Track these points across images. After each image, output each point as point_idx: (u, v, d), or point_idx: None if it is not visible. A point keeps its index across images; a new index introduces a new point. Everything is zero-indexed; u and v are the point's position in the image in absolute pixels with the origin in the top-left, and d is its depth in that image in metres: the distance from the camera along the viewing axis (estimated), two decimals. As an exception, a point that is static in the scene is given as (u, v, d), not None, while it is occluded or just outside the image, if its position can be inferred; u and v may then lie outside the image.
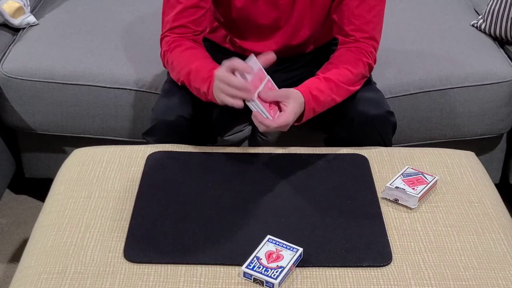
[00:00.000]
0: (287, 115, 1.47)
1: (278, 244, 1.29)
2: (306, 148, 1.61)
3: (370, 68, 1.68)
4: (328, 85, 1.57)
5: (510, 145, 2.18)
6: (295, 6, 1.67)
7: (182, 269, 1.26)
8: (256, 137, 2.00)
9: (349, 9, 1.64)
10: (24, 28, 2.22)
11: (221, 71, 1.43)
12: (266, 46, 1.75)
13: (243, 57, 1.80)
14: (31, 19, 2.22)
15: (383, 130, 1.66)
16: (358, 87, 1.65)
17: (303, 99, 1.51)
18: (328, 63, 1.66)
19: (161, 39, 1.67)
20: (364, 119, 1.62)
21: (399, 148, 1.64)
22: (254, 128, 1.97)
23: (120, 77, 2.00)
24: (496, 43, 2.18)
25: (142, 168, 1.52)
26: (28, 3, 2.26)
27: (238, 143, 1.98)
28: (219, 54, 1.78)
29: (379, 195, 1.46)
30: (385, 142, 1.67)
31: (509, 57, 2.12)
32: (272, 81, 1.51)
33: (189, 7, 1.62)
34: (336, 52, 1.68)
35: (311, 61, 1.83)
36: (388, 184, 1.45)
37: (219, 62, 1.69)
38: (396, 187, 1.44)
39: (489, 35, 2.19)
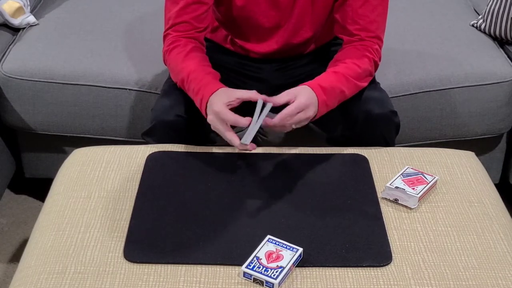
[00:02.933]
0: (300, 99, 1.47)
1: (278, 244, 1.29)
2: (306, 148, 1.61)
3: (376, 65, 1.68)
4: (337, 77, 1.57)
5: (510, 145, 2.18)
6: (295, 5, 1.67)
7: (182, 269, 1.26)
8: (256, 137, 1.99)
9: (353, 9, 1.64)
10: (24, 28, 2.22)
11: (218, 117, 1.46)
12: (267, 46, 1.76)
13: (243, 57, 1.80)
14: (31, 19, 2.22)
15: (386, 130, 1.65)
16: (365, 84, 1.65)
17: (313, 93, 1.51)
18: (334, 60, 1.66)
19: (164, 37, 1.67)
20: (368, 118, 1.62)
21: (399, 148, 1.64)
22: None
23: (120, 77, 2.00)
24: (496, 43, 2.18)
25: (142, 168, 1.52)
26: (28, 3, 2.26)
27: (238, 143, 1.98)
28: (219, 54, 1.78)
29: (379, 195, 1.46)
30: (388, 141, 1.67)
31: (509, 57, 2.12)
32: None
33: (192, 3, 1.62)
34: (341, 50, 1.68)
35: (312, 61, 1.83)
36: (388, 184, 1.45)
37: (219, 62, 1.69)
38: (396, 187, 1.44)
39: (489, 35, 2.19)
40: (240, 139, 1.44)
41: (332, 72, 1.59)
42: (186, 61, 1.60)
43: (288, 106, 1.47)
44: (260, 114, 1.46)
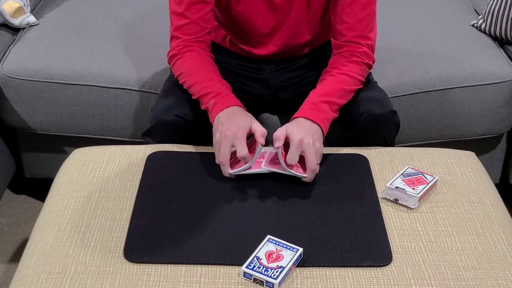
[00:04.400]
0: (292, 137, 1.45)
1: (278, 244, 1.29)
2: (306, 148, 1.61)
3: (368, 66, 1.68)
4: (324, 91, 1.58)
5: (510, 145, 2.18)
6: (292, 7, 1.68)
7: (182, 269, 1.26)
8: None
9: (342, 7, 1.64)
10: (24, 28, 2.22)
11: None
12: (266, 49, 1.76)
13: (243, 58, 1.81)
14: (31, 19, 2.23)
15: (387, 130, 1.66)
16: (359, 87, 1.65)
17: (302, 121, 1.50)
18: (323, 72, 1.66)
19: (171, 39, 1.67)
20: (369, 119, 1.62)
21: (399, 148, 1.64)
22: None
23: (120, 77, 2.00)
24: (496, 43, 2.18)
25: (142, 168, 1.52)
26: (28, 3, 2.26)
27: (238, 143, 1.98)
28: (219, 54, 1.78)
29: (379, 195, 1.46)
30: (388, 141, 1.67)
31: (509, 57, 2.12)
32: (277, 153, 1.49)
33: (196, 2, 1.62)
34: (330, 60, 1.68)
35: (311, 61, 1.83)
36: (388, 184, 1.45)
37: (219, 62, 1.69)
38: (396, 187, 1.44)
39: (489, 35, 2.19)
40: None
41: (319, 88, 1.60)
42: (202, 68, 1.62)
43: (289, 151, 1.45)
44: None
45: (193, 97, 1.61)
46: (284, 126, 1.49)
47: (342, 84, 1.61)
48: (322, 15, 1.72)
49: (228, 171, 1.45)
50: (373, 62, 1.69)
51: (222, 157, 1.45)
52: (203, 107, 1.58)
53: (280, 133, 1.47)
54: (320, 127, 1.51)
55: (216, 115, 1.51)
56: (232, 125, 1.46)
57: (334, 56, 1.68)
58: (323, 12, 1.71)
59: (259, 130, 1.48)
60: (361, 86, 1.66)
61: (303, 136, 1.45)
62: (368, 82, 1.71)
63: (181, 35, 1.65)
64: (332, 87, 1.60)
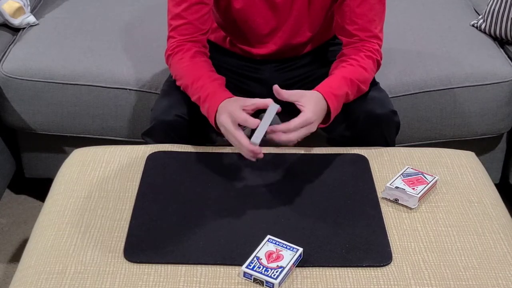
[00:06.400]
0: (306, 113, 1.43)
1: (278, 244, 1.29)
2: (306, 148, 1.61)
3: (379, 65, 1.68)
4: (346, 83, 1.57)
5: (510, 145, 2.18)
6: (293, 6, 1.67)
7: (182, 269, 1.26)
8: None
9: (351, 9, 1.64)
10: (24, 28, 2.22)
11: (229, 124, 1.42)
12: (266, 48, 1.76)
13: (242, 58, 1.81)
14: (31, 19, 2.23)
15: (387, 130, 1.66)
16: (367, 88, 1.65)
17: (322, 99, 1.49)
18: (340, 61, 1.65)
19: (167, 39, 1.67)
20: (369, 119, 1.62)
21: (399, 148, 1.64)
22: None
23: (120, 77, 2.00)
24: (496, 43, 2.18)
25: (142, 168, 1.52)
26: (28, 3, 2.26)
27: (238, 143, 1.98)
28: (218, 54, 1.78)
29: (379, 195, 1.46)
30: (388, 141, 1.67)
31: (509, 57, 2.12)
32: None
33: (195, 3, 1.62)
34: (344, 51, 1.67)
35: (311, 61, 1.83)
36: (388, 184, 1.45)
37: (218, 62, 1.69)
38: (396, 187, 1.44)
39: (489, 35, 2.19)
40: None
41: (342, 78, 1.57)
42: (190, 67, 1.60)
43: (294, 120, 1.42)
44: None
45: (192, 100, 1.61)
46: (301, 94, 1.46)
47: (360, 77, 1.60)
48: (324, 14, 1.72)
49: (247, 142, 1.41)
50: (381, 61, 1.70)
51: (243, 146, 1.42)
52: (202, 111, 1.57)
53: (293, 98, 1.45)
54: (329, 116, 1.51)
55: (214, 118, 1.50)
56: (222, 115, 1.44)
57: (348, 49, 1.67)
58: (325, 11, 1.71)
59: (261, 101, 1.45)
60: (367, 89, 1.65)
61: (314, 121, 1.44)
62: (372, 82, 1.71)
63: (176, 35, 1.65)
64: (353, 82, 1.58)
